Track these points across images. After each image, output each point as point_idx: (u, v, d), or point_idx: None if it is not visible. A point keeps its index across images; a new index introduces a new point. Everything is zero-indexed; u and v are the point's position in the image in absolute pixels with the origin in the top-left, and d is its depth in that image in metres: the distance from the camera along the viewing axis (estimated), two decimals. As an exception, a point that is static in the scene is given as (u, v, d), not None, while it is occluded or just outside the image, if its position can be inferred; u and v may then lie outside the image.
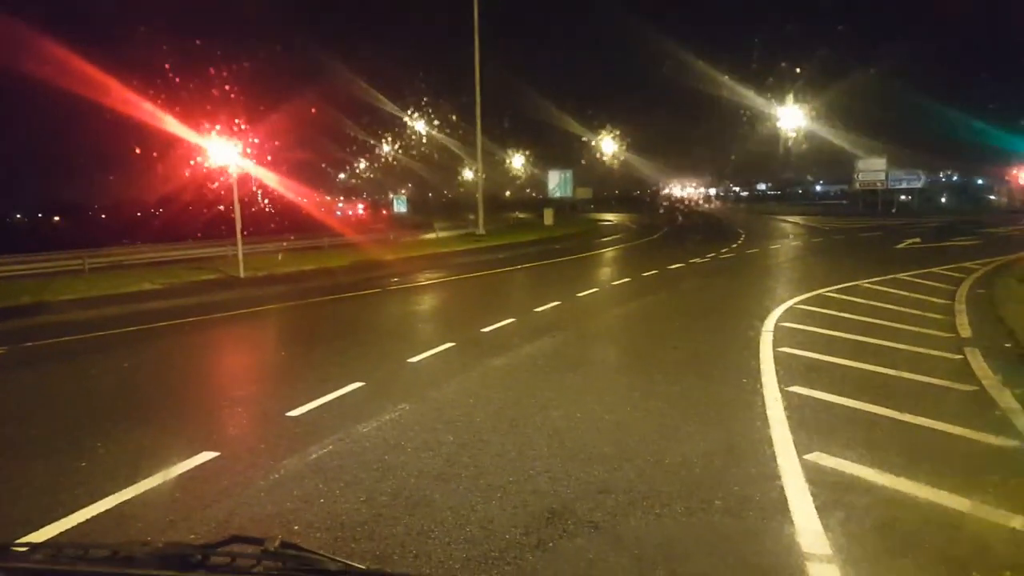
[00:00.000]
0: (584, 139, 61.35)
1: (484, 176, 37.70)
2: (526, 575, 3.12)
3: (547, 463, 4.42)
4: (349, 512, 3.77)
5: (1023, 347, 7.41)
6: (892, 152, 57.42)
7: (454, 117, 50.86)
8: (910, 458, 4.36)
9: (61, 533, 3.62)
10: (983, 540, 3.41)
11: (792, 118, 43.85)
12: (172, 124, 18.17)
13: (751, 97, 45.77)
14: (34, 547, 1.40)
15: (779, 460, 4.38)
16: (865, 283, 12.76)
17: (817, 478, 4.08)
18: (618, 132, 58.90)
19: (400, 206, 54.24)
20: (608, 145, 59.28)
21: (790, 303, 10.68)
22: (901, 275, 13.80)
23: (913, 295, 11.32)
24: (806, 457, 4.39)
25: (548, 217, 41.27)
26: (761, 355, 7.28)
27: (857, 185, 58.88)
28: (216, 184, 18.39)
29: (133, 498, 4.03)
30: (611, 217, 57.96)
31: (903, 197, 59.80)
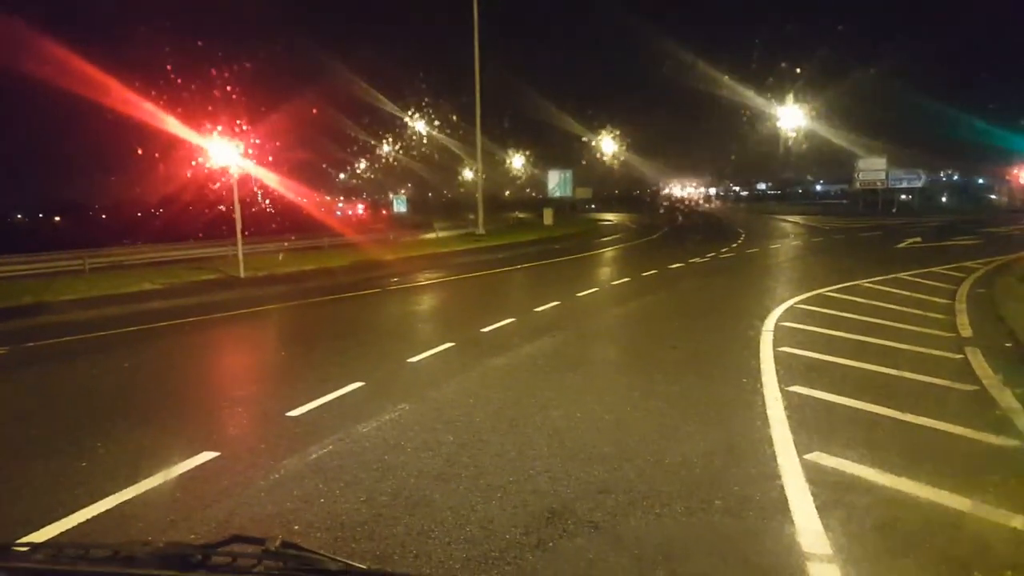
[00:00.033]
0: (584, 139, 61.41)
1: (484, 176, 37.71)
2: (526, 575, 3.12)
3: (547, 463, 4.42)
4: (349, 512, 3.77)
5: None
6: (892, 152, 57.47)
7: (454, 117, 50.91)
8: (911, 458, 4.36)
9: (62, 533, 3.62)
10: (984, 540, 3.41)
11: (792, 118, 43.88)
12: (173, 124, 18.16)
13: (751, 97, 45.80)
14: (35, 547, 1.40)
15: (779, 460, 4.38)
16: (865, 283, 12.76)
17: (817, 478, 4.08)
18: (618, 132, 58.97)
19: (400, 206, 54.25)
20: (608, 145, 59.32)
21: (790, 303, 10.68)
22: (902, 274, 13.80)
23: (914, 295, 11.32)
24: (806, 457, 4.39)
25: (548, 217, 41.27)
26: (761, 355, 7.28)
27: (857, 185, 58.87)
28: (217, 185, 18.40)
29: (134, 498, 4.03)
30: (611, 217, 57.95)
31: (903, 197, 59.80)
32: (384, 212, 55.27)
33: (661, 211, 70.57)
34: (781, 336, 8.20)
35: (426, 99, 51.68)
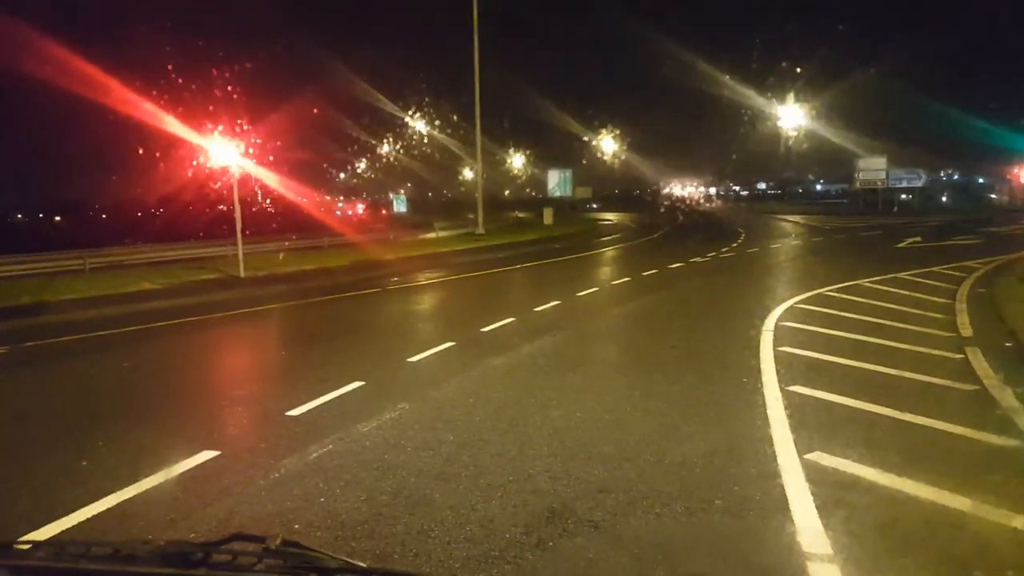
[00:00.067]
0: (584, 139, 61.43)
1: (484, 176, 37.72)
2: (526, 574, 3.13)
3: (547, 462, 4.42)
4: (349, 511, 3.77)
5: None
6: (893, 151, 57.49)
7: (455, 117, 50.91)
8: (911, 458, 4.36)
9: (63, 531, 3.62)
10: (985, 540, 3.41)
11: (793, 117, 43.91)
12: (173, 124, 18.19)
13: (752, 97, 45.82)
14: (37, 545, 1.41)
15: (779, 459, 4.38)
16: (866, 282, 12.76)
17: (818, 477, 4.08)
18: (618, 131, 59.00)
19: (400, 206, 54.25)
20: (608, 144, 59.37)
21: (790, 302, 10.68)
22: (902, 274, 13.80)
23: (914, 294, 11.32)
24: (807, 456, 4.39)
25: (548, 216, 41.28)
26: (761, 354, 7.28)
27: (857, 184, 58.89)
28: (219, 184, 18.41)
29: (134, 497, 4.03)
30: (611, 216, 57.95)
31: (904, 196, 59.82)
32: (384, 212, 55.26)
33: (662, 210, 70.61)
34: (781, 336, 8.20)
35: (426, 99, 51.70)
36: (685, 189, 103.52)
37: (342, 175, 70.13)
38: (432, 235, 33.04)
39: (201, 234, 25.19)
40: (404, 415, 5.48)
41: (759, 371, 6.61)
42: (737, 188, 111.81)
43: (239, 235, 17.39)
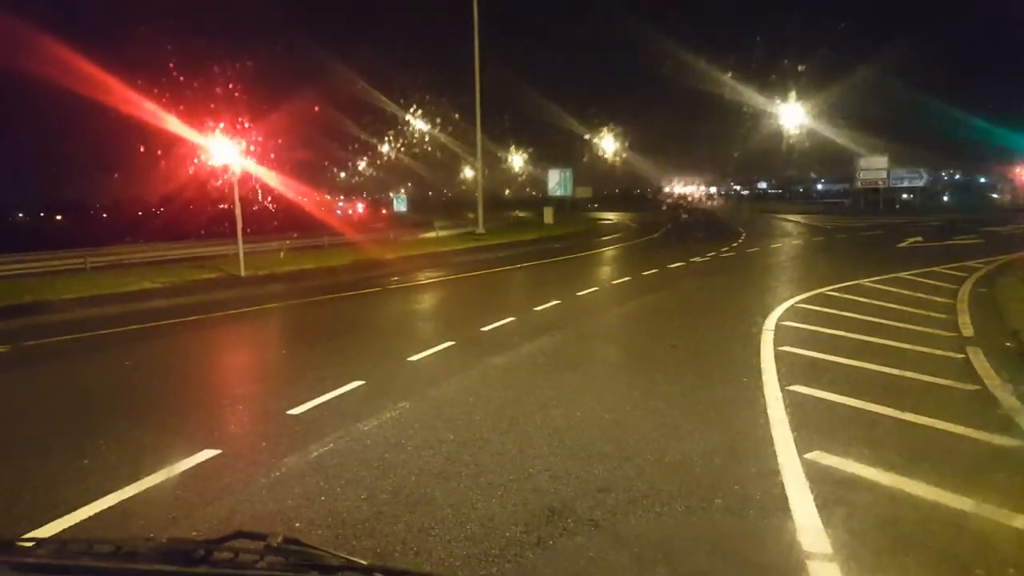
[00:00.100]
0: (585, 138, 61.35)
1: (484, 175, 37.69)
2: (526, 573, 3.13)
3: (547, 461, 4.43)
4: (350, 509, 3.78)
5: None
6: (894, 150, 57.47)
7: (456, 116, 50.85)
8: (911, 457, 4.36)
9: (64, 530, 3.63)
10: (986, 539, 3.41)
11: (793, 117, 43.85)
12: (174, 123, 18.17)
13: (752, 96, 45.72)
14: (39, 542, 1.41)
15: (780, 458, 4.38)
16: (867, 282, 12.76)
17: (818, 476, 4.08)
18: (619, 130, 58.90)
19: (400, 205, 54.28)
20: (609, 144, 59.28)
21: (791, 302, 10.68)
22: (903, 274, 13.79)
23: (915, 294, 11.32)
24: (807, 456, 4.39)
25: (548, 216, 41.25)
26: (762, 354, 7.28)
27: (859, 183, 58.86)
28: (220, 182, 18.40)
29: (135, 495, 4.04)
30: (612, 216, 57.94)
31: (905, 196, 59.79)
32: (384, 211, 55.29)
33: (664, 208, 70.68)
34: (782, 335, 8.20)
35: (427, 97, 51.65)
36: (686, 188, 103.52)
37: (342, 174, 70.16)
38: (432, 234, 33.03)
39: (202, 232, 25.21)
40: (404, 414, 5.48)
41: (759, 370, 6.62)
42: (738, 187, 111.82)
43: (239, 234, 17.38)
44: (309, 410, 5.60)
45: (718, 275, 15.76)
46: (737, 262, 18.52)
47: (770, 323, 8.98)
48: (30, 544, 1.39)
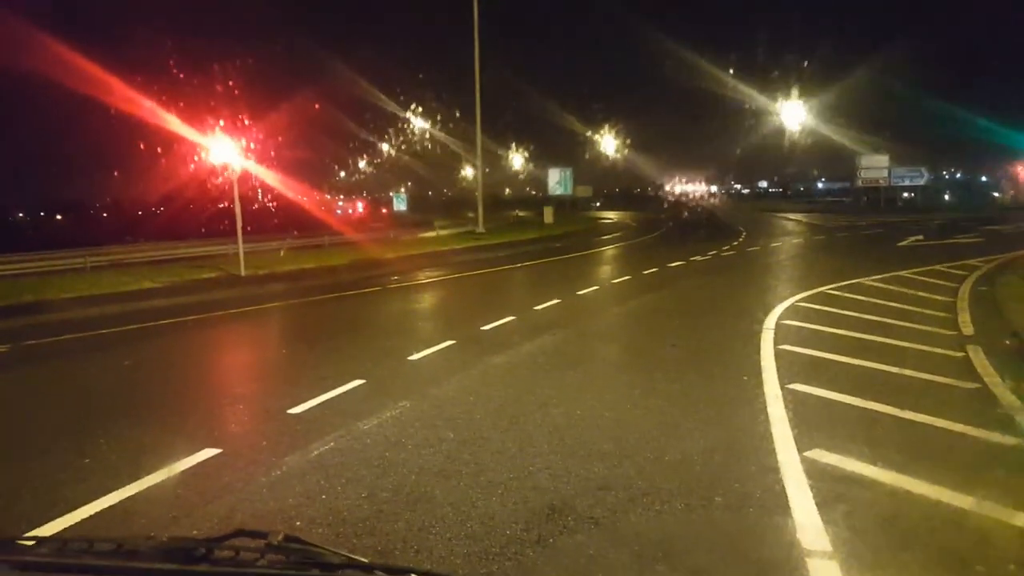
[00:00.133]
0: (586, 137, 61.32)
1: (485, 174, 37.68)
2: (526, 571, 3.13)
3: (547, 460, 4.43)
4: (351, 508, 3.78)
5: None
6: (895, 149, 57.48)
7: (457, 113, 50.83)
8: (911, 455, 4.36)
9: (65, 529, 3.63)
10: (986, 536, 3.42)
11: (794, 115, 43.83)
12: (174, 122, 18.20)
13: (753, 95, 45.71)
14: (40, 541, 1.42)
15: (779, 457, 4.38)
16: (867, 280, 12.76)
17: (817, 474, 4.08)
18: (619, 129, 58.86)
19: (400, 204, 54.28)
20: (609, 143, 59.23)
21: (791, 300, 10.68)
22: (903, 272, 13.79)
23: (915, 292, 11.32)
24: (806, 454, 4.40)
25: (548, 215, 41.24)
26: (762, 352, 7.28)
27: (859, 182, 58.88)
28: (220, 179, 18.41)
29: (136, 494, 4.04)
30: (612, 215, 57.94)
31: (906, 194, 59.78)
32: (384, 210, 55.29)
33: (665, 206, 70.73)
34: (782, 334, 8.20)
35: (427, 97, 51.68)
36: (687, 187, 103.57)
37: (342, 173, 70.17)
38: (432, 234, 33.01)
39: (203, 230, 25.21)
40: (405, 413, 5.49)
41: (760, 369, 6.62)
42: (738, 186, 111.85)
43: (239, 233, 17.39)
44: (310, 409, 5.60)
45: (718, 274, 15.76)
46: (737, 261, 18.52)
47: (770, 321, 8.98)
48: (31, 543, 1.40)
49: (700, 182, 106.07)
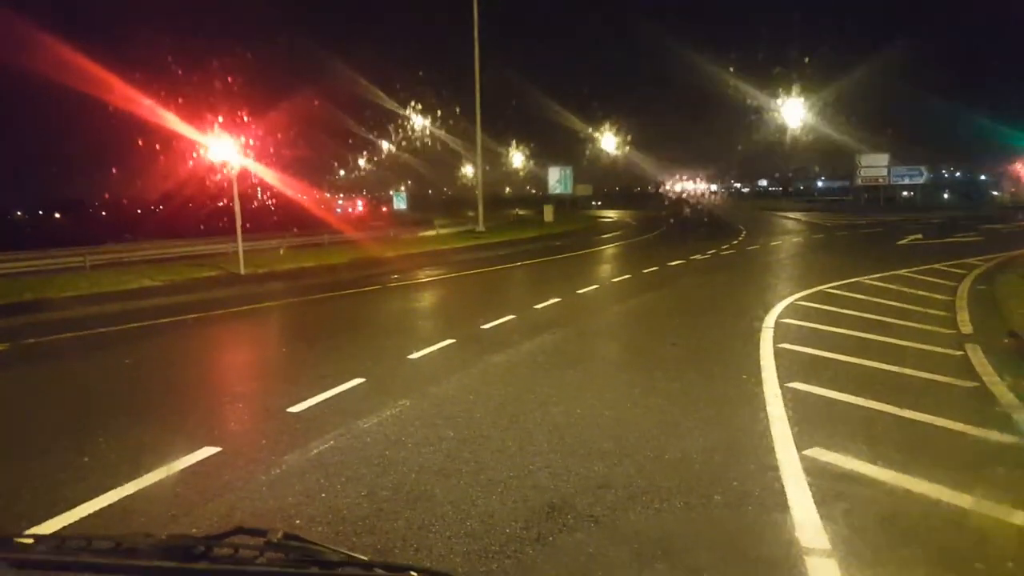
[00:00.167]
0: (586, 135, 61.31)
1: (485, 172, 37.67)
2: (526, 569, 3.14)
3: (547, 458, 4.43)
4: (350, 506, 3.79)
5: None
6: (894, 148, 57.51)
7: (458, 111, 50.84)
8: (910, 454, 4.37)
9: (64, 527, 3.63)
10: (984, 534, 3.42)
11: (794, 114, 43.83)
12: (174, 120, 18.19)
13: (753, 95, 45.74)
14: (38, 539, 1.42)
15: (779, 455, 4.38)
16: (866, 279, 12.76)
17: (817, 473, 4.09)
18: (620, 128, 58.86)
19: (400, 203, 54.30)
20: (609, 142, 59.22)
21: (791, 299, 10.68)
22: (903, 271, 13.79)
23: (914, 291, 11.32)
24: (806, 452, 4.40)
25: (548, 214, 41.25)
26: (761, 351, 7.29)
27: (859, 181, 58.88)
28: (219, 176, 18.41)
29: (135, 493, 4.04)
30: (612, 214, 57.93)
31: (905, 193, 59.78)
32: (384, 209, 55.32)
33: (666, 203, 70.78)
34: (782, 333, 8.21)
35: (427, 95, 51.66)
36: (687, 185, 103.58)
37: (342, 171, 70.13)
38: (432, 232, 33.01)
39: (202, 228, 25.20)
40: (405, 411, 5.49)
41: (759, 368, 6.62)
42: (738, 185, 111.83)
43: (239, 232, 17.38)
44: (309, 408, 5.60)
45: (718, 272, 15.76)
46: (737, 259, 18.52)
47: (770, 320, 8.98)
48: (29, 541, 1.39)
49: (700, 180, 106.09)
